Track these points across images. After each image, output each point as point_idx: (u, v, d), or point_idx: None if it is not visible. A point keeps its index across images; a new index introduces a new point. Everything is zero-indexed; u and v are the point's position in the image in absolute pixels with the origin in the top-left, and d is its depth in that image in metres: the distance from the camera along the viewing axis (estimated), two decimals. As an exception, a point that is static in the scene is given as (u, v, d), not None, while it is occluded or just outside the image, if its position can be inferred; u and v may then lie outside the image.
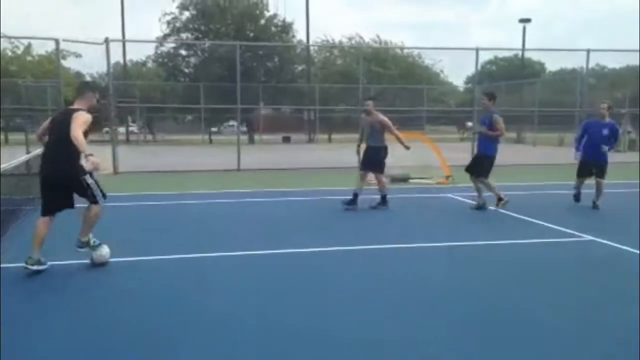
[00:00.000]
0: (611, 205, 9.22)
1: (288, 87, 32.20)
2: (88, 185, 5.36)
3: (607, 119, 8.89)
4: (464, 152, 16.78)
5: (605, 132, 8.80)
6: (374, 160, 8.97)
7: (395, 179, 12.53)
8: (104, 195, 5.52)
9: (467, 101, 24.58)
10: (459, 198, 10.23)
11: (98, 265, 5.58)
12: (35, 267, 5.24)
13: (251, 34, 33.00)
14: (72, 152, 5.17)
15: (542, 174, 14.60)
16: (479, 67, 17.56)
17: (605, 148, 8.78)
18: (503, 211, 8.80)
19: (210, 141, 32.32)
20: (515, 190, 11.39)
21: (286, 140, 32.52)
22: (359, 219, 8.34)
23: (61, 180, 5.34)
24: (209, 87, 28.80)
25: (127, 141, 30.34)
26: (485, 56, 51.21)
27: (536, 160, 17.96)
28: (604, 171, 8.99)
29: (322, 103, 31.77)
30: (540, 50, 31.74)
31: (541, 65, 47.41)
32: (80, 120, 5.15)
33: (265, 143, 30.94)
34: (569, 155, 18.38)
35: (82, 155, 5.17)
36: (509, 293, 4.93)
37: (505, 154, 20.72)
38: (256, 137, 32.78)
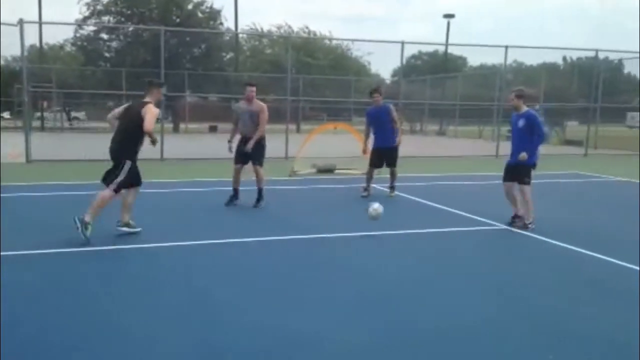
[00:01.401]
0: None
1: (216, 75, 31.62)
2: (122, 169, 6.11)
3: (524, 109, 7.18)
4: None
5: (521, 123, 7.12)
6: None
7: (321, 170, 12.63)
8: (139, 183, 6.32)
9: (394, 93, 25.19)
10: (383, 188, 10.42)
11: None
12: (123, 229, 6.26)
13: (177, 19, 32.10)
14: (133, 138, 6.13)
15: (463, 165, 15.13)
16: (404, 61, 17.92)
17: (523, 155, 6.97)
18: (424, 201, 9.06)
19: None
20: (437, 180, 11.77)
21: (213, 129, 31.95)
22: (278, 210, 8.32)
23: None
24: (132, 72, 27.81)
25: (42, 128, 28.82)
26: (410, 50, 52.49)
27: (458, 152, 18.59)
28: (522, 176, 7.20)
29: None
30: (463, 46, 32.73)
31: (463, 60, 49.07)
32: (152, 113, 6.07)
33: (191, 132, 30.33)
34: (488, 148, 19.32)
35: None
36: (427, 279, 5.09)
37: (429, 146, 21.40)
38: (182, 125, 32.03)
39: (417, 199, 9.31)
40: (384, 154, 9.53)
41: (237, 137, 8.36)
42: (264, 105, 8.34)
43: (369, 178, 9.64)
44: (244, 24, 41.40)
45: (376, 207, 6.98)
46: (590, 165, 15.33)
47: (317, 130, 13.40)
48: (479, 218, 7.72)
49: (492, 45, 19.24)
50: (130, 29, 31.36)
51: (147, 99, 6.33)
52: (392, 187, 9.67)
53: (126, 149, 6.19)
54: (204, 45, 33.45)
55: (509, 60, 32.93)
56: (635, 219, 7.76)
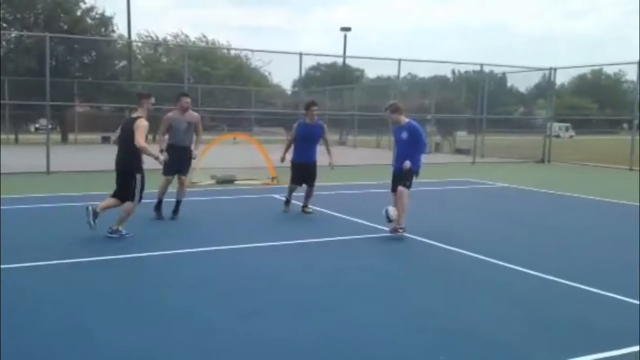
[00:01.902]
0: (420, 202, 10.07)
1: (107, 84, 30.23)
2: (136, 181, 6.71)
3: (404, 121, 7.43)
4: (290, 154, 17.20)
5: (405, 135, 7.32)
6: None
7: (220, 181, 12.41)
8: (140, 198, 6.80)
9: (294, 104, 25.38)
10: (283, 198, 10.40)
11: None
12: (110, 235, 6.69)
13: (65, 26, 30.38)
14: (133, 151, 6.62)
15: (361, 174, 15.47)
16: (303, 72, 18.12)
17: (407, 164, 7.13)
18: (325, 210, 9.14)
19: (16, 140, 29.27)
20: (338, 189, 11.93)
21: (106, 140, 30.49)
22: (181, 222, 8.06)
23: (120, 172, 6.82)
24: (15, 81, 25.94)
25: None
26: (310, 61, 53.20)
27: (357, 161, 19.01)
28: (404, 180, 7.32)
29: (146, 102, 30.37)
30: (359, 58, 33.71)
31: (361, 72, 50.48)
32: (141, 129, 6.58)
33: (81, 143, 28.80)
34: (385, 156, 19.93)
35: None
36: (322, 286, 5.11)
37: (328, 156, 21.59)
38: (71, 136, 30.30)
39: (318, 208, 9.37)
40: (306, 170, 9.13)
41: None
42: (198, 115, 8.49)
43: (291, 192, 9.23)
44: (138, 32, 39.93)
45: (391, 209, 7.16)
46: (477, 172, 16.25)
47: (216, 141, 13.17)
48: (377, 226, 7.89)
49: (387, 58, 19.92)
50: (13, 35, 29.30)
51: (138, 113, 6.80)
52: (306, 205, 9.10)
53: (131, 162, 6.74)
54: (94, 53, 31.92)
55: (404, 73, 34.27)
56: (510, 220, 8.32)
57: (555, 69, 20.82)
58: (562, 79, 49.74)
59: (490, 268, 5.93)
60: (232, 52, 37.72)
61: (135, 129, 6.55)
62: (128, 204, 6.75)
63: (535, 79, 25.49)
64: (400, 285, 5.32)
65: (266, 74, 40.14)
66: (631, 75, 18.18)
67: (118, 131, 7.02)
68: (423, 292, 5.13)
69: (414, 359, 3.73)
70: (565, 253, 6.71)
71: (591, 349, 3.80)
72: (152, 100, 6.94)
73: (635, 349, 3.82)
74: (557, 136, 30.40)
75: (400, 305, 4.73)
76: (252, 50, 25.86)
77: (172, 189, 8.26)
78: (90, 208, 6.60)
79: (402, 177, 7.29)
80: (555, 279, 5.43)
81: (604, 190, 12.42)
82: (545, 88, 22.79)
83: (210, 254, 6.32)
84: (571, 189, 12.20)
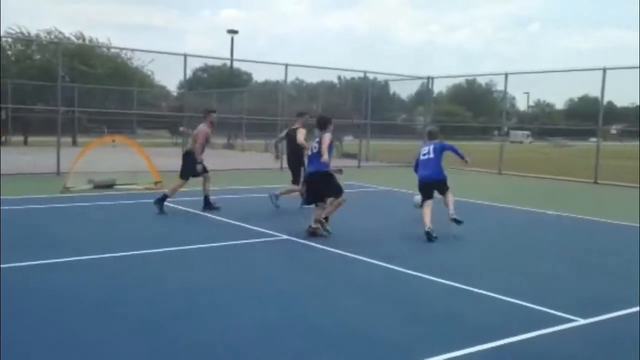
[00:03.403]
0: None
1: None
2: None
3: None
4: (175, 157, 16.67)
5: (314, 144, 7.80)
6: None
7: (98, 186, 11.73)
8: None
9: (180, 106, 24.61)
10: (167, 203, 10.03)
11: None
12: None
13: None
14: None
15: (250, 178, 15.33)
16: (190, 73, 17.66)
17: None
18: (211, 215, 8.94)
19: None
20: (225, 194, 11.72)
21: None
22: (56, 230, 7.50)
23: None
24: None
25: None
26: (197, 63, 52.09)
27: (245, 165, 18.83)
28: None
29: (16, 101, 28.11)
30: (246, 62, 33.50)
31: (249, 75, 50.22)
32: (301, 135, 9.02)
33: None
34: (273, 161, 19.94)
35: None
36: (214, 290, 4.96)
37: (217, 159, 21.35)
38: None
39: (204, 213, 9.14)
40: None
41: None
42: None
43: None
44: (7, 27, 36.78)
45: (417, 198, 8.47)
46: (363, 176, 16.71)
47: (92, 144, 12.45)
48: (263, 230, 7.83)
49: (274, 62, 19.96)
50: None
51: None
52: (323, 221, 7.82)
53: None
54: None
55: (292, 78, 34.55)
56: (393, 221, 8.65)
57: (432, 78, 21.98)
58: (440, 87, 52.76)
59: (372, 268, 6.08)
60: (112, 50, 35.95)
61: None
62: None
63: (415, 86, 26.72)
64: (297, 289, 5.29)
65: (149, 73, 38.64)
66: (501, 85, 19.59)
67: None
68: (317, 294, 5.14)
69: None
70: (427, 251, 7.05)
71: (463, 344, 3.99)
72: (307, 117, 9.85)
73: (501, 342, 4.06)
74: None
75: (298, 308, 4.70)
76: (133, 50, 24.70)
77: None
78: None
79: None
80: (415, 273, 5.68)
81: (475, 192, 13.26)
82: (425, 95, 23.98)
83: (83, 264, 5.92)
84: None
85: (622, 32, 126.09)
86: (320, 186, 7.54)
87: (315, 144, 7.70)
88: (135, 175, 12.51)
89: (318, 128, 7.85)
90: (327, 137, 7.61)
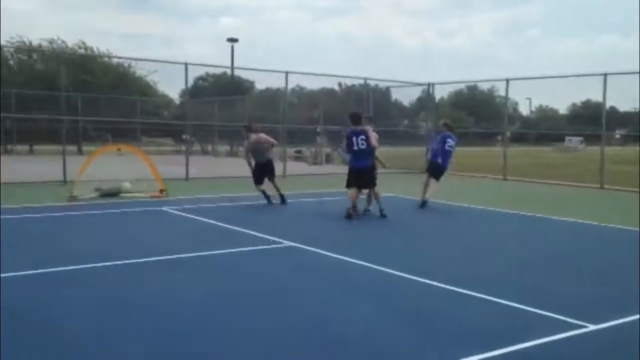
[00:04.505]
0: (307, 211, 10.24)
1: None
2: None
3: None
4: (180, 165, 16.78)
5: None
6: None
7: (104, 194, 11.83)
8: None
9: (182, 114, 24.73)
10: (174, 211, 10.13)
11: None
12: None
13: None
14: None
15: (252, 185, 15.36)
16: (191, 82, 17.77)
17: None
18: (216, 222, 9.01)
19: None
20: (229, 201, 11.81)
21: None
22: (62, 237, 7.57)
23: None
24: None
25: None
26: (198, 71, 52.20)
27: (248, 173, 18.83)
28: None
29: (20, 111, 28.27)
30: (247, 70, 33.63)
31: (250, 83, 50.37)
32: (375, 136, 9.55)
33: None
34: (277, 167, 19.89)
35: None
36: (222, 299, 5.02)
37: (221, 166, 21.43)
38: None
39: (209, 220, 9.21)
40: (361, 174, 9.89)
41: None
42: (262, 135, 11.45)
43: (355, 197, 9.87)
44: (9, 37, 36.94)
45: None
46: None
47: (98, 152, 12.56)
48: (268, 237, 7.89)
49: (274, 70, 20.08)
50: None
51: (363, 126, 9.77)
52: (381, 210, 9.81)
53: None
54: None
55: (293, 85, 34.63)
56: (393, 229, 8.69)
57: (433, 84, 22.08)
58: (441, 93, 52.85)
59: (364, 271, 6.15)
60: (115, 60, 36.16)
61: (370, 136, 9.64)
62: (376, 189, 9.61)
63: (416, 93, 26.79)
64: (298, 295, 5.35)
65: (152, 83, 38.86)
66: (502, 91, 19.65)
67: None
68: (310, 298, 5.19)
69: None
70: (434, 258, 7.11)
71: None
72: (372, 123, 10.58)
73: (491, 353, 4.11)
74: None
75: (297, 313, 4.76)
76: (135, 59, 24.76)
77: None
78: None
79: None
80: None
81: (478, 198, 13.30)
82: (426, 102, 24.07)
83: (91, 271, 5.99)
84: (453, 198, 12.65)
85: (619, 38, 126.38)
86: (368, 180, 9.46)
87: (361, 141, 9.27)
88: (140, 183, 12.61)
89: (353, 123, 9.56)
90: (372, 133, 9.41)
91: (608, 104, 17.48)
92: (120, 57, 42.30)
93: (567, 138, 47.45)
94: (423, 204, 10.80)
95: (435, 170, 11.19)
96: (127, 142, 21.11)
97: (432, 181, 11.16)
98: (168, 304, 4.93)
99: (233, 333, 4.26)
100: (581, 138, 46.77)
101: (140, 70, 36.49)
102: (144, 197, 11.84)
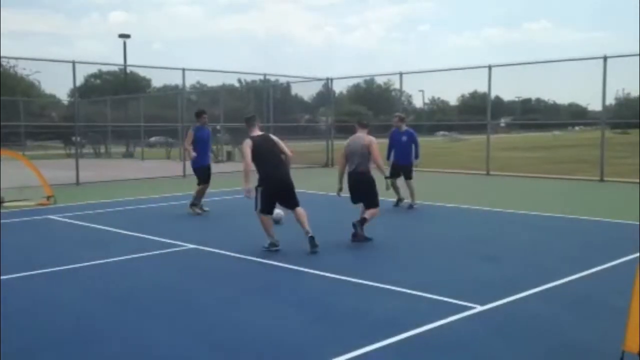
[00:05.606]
0: (219, 211, 9.99)
1: None
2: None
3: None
4: (70, 169, 15.79)
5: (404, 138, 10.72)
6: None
7: (-16, 204, 10.87)
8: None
9: (72, 115, 23.26)
10: (62, 219, 9.50)
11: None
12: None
13: None
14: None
15: (152, 187, 14.82)
16: (82, 80, 16.79)
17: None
18: (111, 229, 8.54)
19: None
20: (126, 205, 11.26)
21: None
22: None
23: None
24: None
25: None
26: (91, 69, 49.60)
27: (147, 174, 18.17)
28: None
29: None
30: (140, 67, 32.42)
31: (147, 81, 48.55)
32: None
33: None
34: (176, 168, 19.41)
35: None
36: (105, 310, 4.74)
37: (116, 169, 20.49)
38: None
39: (102, 227, 8.71)
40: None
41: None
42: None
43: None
44: None
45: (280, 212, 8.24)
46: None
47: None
48: (169, 240, 7.60)
49: (170, 67, 19.42)
50: None
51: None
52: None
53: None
54: None
55: (193, 82, 33.78)
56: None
57: (332, 79, 22.36)
58: (340, 87, 53.84)
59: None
60: (-6, 59, 33.48)
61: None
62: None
63: (316, 88, 27.01)
64: (206, 297, 5.16)
65: (36, 82, 36.43)
66: (397, 84, 20.22)
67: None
68: (226, 302, 5.04)
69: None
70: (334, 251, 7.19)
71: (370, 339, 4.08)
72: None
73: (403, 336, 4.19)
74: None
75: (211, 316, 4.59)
76: (17, 58, 23.07)
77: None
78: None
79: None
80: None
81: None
82: (326, 96, 24.34)
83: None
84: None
85: (505, 31, 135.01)
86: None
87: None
88: (25, 191, 11.72)
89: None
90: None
91: (493, 94, 18.56)
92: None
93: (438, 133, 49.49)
94: (397, 202, 10.44)
95: (393, 170, 10.28)
96: (9, 146, 19.59)
97: (408, 182, 10.45)
98: (54, 313, 4.57)
99: (120, 341, 4.01)
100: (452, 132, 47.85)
101: (21, 70, 34.15)
102: (29, 205, 11.02)
